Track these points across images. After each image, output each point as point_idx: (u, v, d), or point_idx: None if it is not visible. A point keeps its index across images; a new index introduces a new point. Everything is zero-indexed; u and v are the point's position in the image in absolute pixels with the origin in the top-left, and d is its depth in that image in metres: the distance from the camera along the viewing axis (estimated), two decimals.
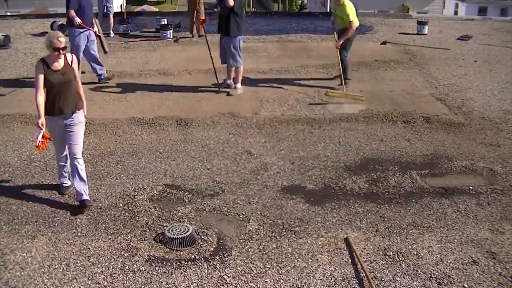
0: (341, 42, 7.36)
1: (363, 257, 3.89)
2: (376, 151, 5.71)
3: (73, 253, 3.92)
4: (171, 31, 10.93)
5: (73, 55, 4.61)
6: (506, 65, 9.03)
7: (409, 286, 3.59)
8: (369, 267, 3.77)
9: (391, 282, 3.63)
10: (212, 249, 3.99)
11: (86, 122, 6.33)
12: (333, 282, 3.63)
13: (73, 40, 7.30)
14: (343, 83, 7.45)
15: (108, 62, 9.06)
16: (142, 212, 4.49)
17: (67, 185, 4.79)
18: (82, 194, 4.49)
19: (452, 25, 12.60)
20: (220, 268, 3.77)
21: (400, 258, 3.88)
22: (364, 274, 3.67)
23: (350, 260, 3.85)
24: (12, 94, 7.51)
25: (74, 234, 4.17)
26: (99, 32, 7.97)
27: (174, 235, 4.03)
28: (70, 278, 3.64)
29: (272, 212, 4.51)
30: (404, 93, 7.57)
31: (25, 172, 5.19)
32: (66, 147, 4.53)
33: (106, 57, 9.35)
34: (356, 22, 7.35)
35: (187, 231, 4.07)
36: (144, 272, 3.72)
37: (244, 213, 4.48)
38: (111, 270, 3.74)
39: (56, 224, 4.31)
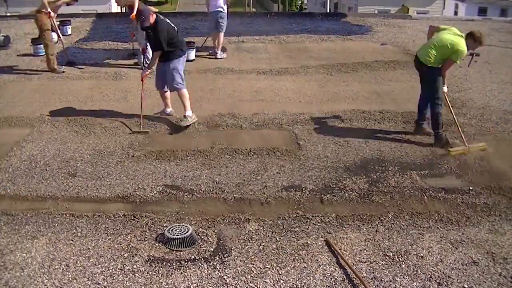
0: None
1: (363, 258, 3.89)
2: (376, 151, 5.70)
3: (73, 253, 3.92)
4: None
5: None
6: (506, 66, 9.04)
7: (409, 287, 3.59)
8: (369, 268, 3.78)
9: (391, 283, 3.63)
10: (212, 249, 4.00)
11: (86, 123, 6.41)
12: (333, 283, 3.63)
13: None
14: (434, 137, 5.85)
15: (108, 62, 9.07)
16: (142, 212, 4.50)
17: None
18: None
19: (452, 26, 12.57)
20: (220, 268, 3.77)
21: (400, 259, 3.88)
22: (353, 273, 3.68)
23: (349, 261, 3.85)
24: (11, 95, 7.51)
25: (74, 235, 4.17)
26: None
27: (174, 235, 4.03)
28: (70, 279, 3.64)
29: (272, 213, 4.51)
30: (404, 93, 7.56)
31: (25, 172, 5.19)
32: None
33: (106, 58, 9.36)
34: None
35: (187, 232, 4.07)
36: (144, 272, 3.72)
37: (244, 214, 4.49)
38: (111, 270, 3.74)
39: (56, 224, 4.31)
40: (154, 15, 5.97)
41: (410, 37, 11.24)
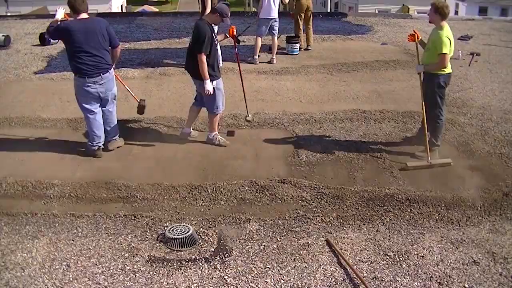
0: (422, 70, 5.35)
1: (364, 257, 3.89)
2: (376, 151, 5.70)
3: (74, 253, 3.93)
4: None
5: None
6: (506, 65, 9.03)
7: (409, 286, 3.59)
8: (369, 267, 3.78)
9: (391, 282, 3.63)
10: (212, 249, 4.00)
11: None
12: (334, 282, 3.63)
13: None
14: (428, 150, 5.28)
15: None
16: (142, 212, 4.50)
17: None
18: None
19: (453, 25, 12.53)
20: (220, 268, 3.77)
21: (401, 258, 3.88)
22: (353, 273, 3.68)
23: (350, 261, 3.85)
24: (12, 95, 7.51)
25: (75, 235, 4.17)
26: None
27: (174, 235, 4.03)
28: (71, 279, 3.64)
29: (272, 213, 4.52)
30: (404, 93, 7.56)
31: (25, 172, 5.19)
32: None
33: None
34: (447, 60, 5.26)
35: (188, 232, 4.07)
36: (145, 272, 3.72)
37: (244, 214, 4.49)
38: (111, 270, 3.74)
39: (57, 224, 4.31)
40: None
41: None
